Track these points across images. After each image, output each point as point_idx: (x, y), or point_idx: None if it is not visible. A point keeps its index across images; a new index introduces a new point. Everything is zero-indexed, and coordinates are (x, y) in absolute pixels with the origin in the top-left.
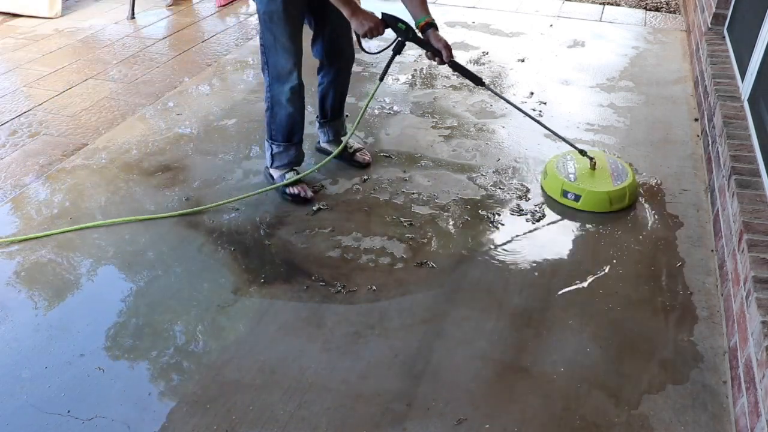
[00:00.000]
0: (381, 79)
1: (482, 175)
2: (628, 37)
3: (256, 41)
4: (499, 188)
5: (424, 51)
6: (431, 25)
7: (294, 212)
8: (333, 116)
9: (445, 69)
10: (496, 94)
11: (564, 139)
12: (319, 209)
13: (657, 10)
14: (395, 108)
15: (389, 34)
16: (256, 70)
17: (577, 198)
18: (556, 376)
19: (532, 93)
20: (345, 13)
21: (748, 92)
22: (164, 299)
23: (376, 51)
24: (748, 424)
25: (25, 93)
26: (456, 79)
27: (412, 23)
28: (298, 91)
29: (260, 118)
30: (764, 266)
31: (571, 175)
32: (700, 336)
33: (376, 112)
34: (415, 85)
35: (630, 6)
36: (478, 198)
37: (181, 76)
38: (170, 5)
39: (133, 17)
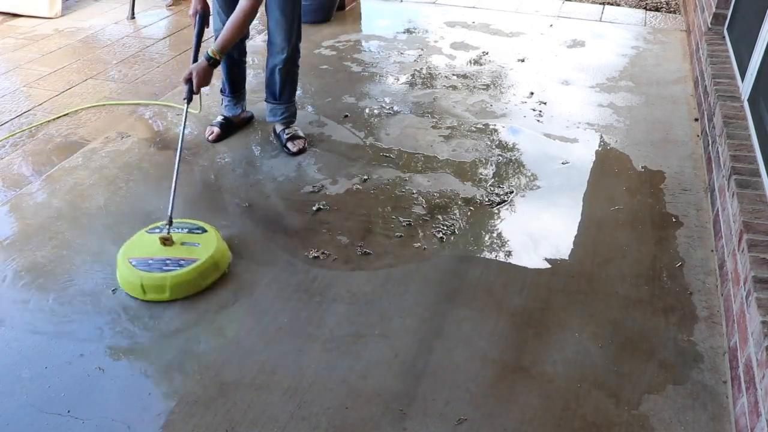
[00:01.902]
0: (194, 61)
1: (482, 174)
2: (628, 37)
3: (256, 41)
4: (499, 188)
5: None
6: (208, 59)
7: (294, 212)
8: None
9: (445, 69)
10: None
11: None
12: (319, 209)
13: (657, 10)
14: (395, 108)
15: None
16: (256, 69)
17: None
18: (556, 376)
19: (532, 93)
20: None
21: (748, 92)
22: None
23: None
24: (748, 424)
25: (25, 93)
26: (456, 79)
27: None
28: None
29: (260, 116)
30: (764, 266)
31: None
32: (700, 336)
33: (376, 112)
34: (415, 85)
35: (630, 6)
36: (478, 198)
37: (181, 76)
38: (170, 5)
39: (133, 17)
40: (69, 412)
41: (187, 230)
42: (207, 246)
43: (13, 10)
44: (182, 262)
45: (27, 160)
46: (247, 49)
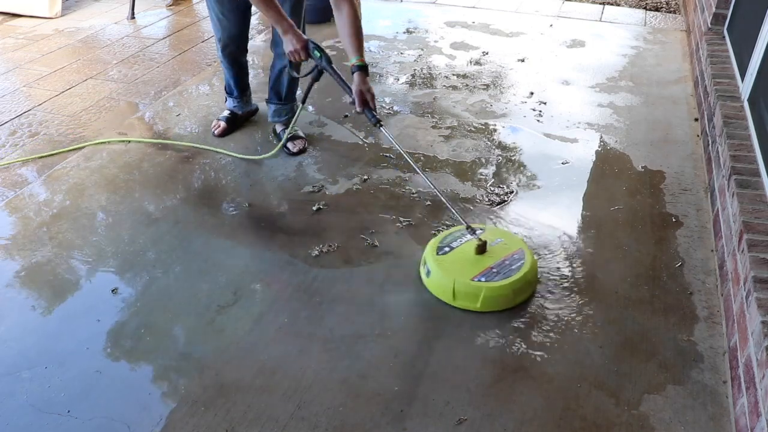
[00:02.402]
0: (303, 103)
1: (482, 174)
2: (628, 37)
3: (256, 41)
4: (499, 188)
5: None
6: (360, 68)
7: (294, 211)
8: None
9: (445, 69)
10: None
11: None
12: (319, 209)
13: (657, 10)
14: (395, 108)
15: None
16: (257, 69)
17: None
18: (556, 376)
19: (532, 93)
20: (279, 30)
21: (748, 92)
22: (164, 299)
23: (300, 75)
24: (748, 424)
25: (25, 93)
26: (456, 79)
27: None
28: (228, 55)
29: (259, 117)
30: (764, 266)
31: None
32: (700, 336)
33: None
34: (415, 85)
35: (630, 6)
36: (478, 198)
37: (181, 76)
38: (170, 5)
39: (133, 17)
40: (69, 412)
41: (477, 235)
42: (507, 237)
43: (13, 10)
44: (516, 256)
45: (27, 160)
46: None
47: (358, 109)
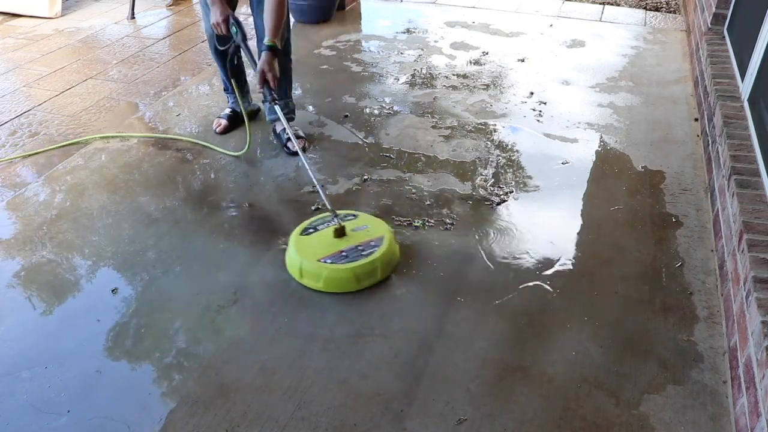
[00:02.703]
0: (255, 63)
1: (482, 174)
2: (628, 37)
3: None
4: (499, 188)
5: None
6: (269, 48)
7: (294, 212)
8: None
9: (445, 69)
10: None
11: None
12: (318, 209)
13: (657, 10)
14: (395, 108)
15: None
16: None
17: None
18: (556, 376)
19: (532, 93)
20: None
21: (748, 92)
22: (164, 299)
23: (222, 47)
24: (748, 424)
25: (25, 93)
26: (456, 79)
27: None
28: (214, 46)
29: (262, 116)
30: (764, 266)
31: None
32: (700, 336)
33: (376, 112)
34: (415, 85)
35: (630, 6)
36: (478, 198)
37: (181, 76)
38: (170, 5)
39: (133, 17)
40: (69, 412)
41: (343, 219)
42: (375, 224)
43: (13, 10)
44: (372, 243)
45: (27, 160)
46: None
47: (258, 87)
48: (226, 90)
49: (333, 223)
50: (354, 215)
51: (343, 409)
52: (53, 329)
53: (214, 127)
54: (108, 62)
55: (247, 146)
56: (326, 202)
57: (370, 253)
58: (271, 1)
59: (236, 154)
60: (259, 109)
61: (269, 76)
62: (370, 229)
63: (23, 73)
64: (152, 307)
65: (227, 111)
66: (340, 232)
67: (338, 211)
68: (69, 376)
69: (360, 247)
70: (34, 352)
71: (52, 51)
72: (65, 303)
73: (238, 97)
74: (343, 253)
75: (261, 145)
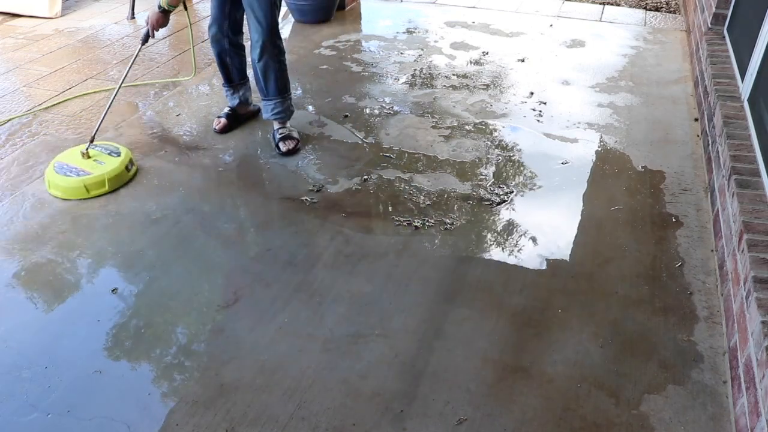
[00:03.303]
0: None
1: (482, 174)
2: (628, 37)
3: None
4: (499, 188)
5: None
6: (158, 6)
7: (294, 211)
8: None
9: (445, 69)
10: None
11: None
12: (312, 203)
13: (657, 10)
14: (395, 108)
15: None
16: None
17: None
18: (556, 376)
19: (532, 93)
20: None
21: (748, 92)
22: (164, 299)
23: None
24: (748, 424)
25: (25, 93)
26: (456, 78)
27: None
28: (212, 37)
29: (258, 117)
30: (764, 266)
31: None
32: (700, 336)
33: (376, 111)
34: (415, 85)
35: (630, 6)
36: (478, 197)
37: (181, 76)
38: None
39: (133, 17)
40: (69, 412)
41: (108, 151)
42: (108, 166)
43: (13, 10)
44: (81, 172)
45: (27, 160)
46: (243, 44)
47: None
48: (223, 84)
49: (93, 148)
50: (118, 153)
51: (343, 409)
52: (53, 329)
53: (214, 126)
54: (108, 62)
55: (193, 70)
56: (94, 132)
57: (81, 174)
58: None
59: (185, 78)
60: (258, 110)
61: (149, 23)
62: (105, 162)
63: (23, 73)
64: (152, 307)
65: (227, 110)
66: (85, 156)
67: (103, 143)
68: (69, 376)
69: (84, 168)
70: (34, 352)
71: (52, 51)
72: (65, 303)
73: (230, 91)
74: (73, 169)
75: (262, 145)
